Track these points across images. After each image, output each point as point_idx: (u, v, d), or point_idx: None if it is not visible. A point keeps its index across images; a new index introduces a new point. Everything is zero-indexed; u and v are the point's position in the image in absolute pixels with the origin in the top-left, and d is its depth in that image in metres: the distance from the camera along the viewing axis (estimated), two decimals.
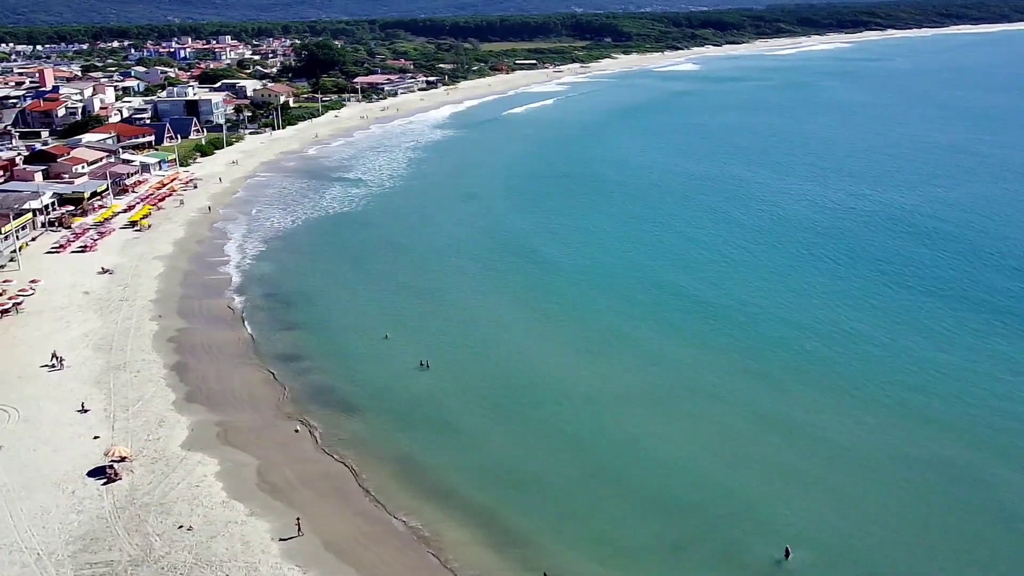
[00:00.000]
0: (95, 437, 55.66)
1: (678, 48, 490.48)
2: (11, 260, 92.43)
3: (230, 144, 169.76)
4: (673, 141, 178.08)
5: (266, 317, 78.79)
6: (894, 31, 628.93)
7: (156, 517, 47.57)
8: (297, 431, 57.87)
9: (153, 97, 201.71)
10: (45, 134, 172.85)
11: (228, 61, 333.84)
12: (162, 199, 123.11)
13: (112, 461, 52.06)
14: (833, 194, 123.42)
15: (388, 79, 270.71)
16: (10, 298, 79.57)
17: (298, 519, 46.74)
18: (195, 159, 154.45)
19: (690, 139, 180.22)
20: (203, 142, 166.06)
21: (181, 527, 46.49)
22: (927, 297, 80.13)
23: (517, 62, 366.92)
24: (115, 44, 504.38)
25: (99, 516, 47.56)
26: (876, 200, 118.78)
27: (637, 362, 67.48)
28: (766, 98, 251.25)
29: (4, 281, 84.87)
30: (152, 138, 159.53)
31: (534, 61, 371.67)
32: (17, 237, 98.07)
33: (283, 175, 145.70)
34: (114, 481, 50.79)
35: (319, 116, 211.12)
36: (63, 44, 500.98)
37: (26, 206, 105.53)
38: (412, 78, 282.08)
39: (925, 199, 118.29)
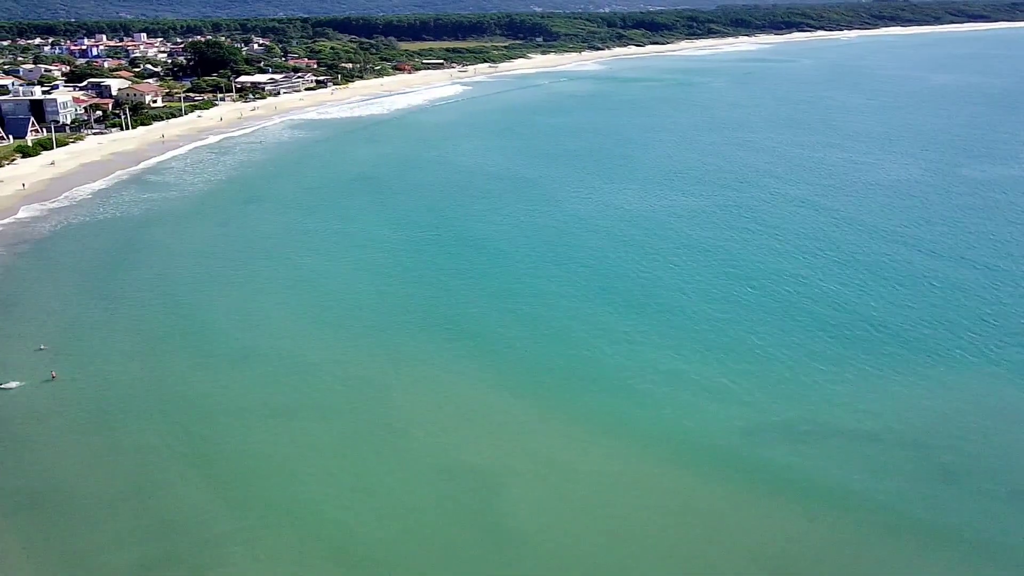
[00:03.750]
0: None
1: (598, 49, 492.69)
2: None
3: (63, 144, 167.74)
4: (507, 142, 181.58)
5: None
6: (824, 32, 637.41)
7: None
8: None
9: None
10: None
11: (109, 60, 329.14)
12: None
13: None
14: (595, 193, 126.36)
15: (271, 79, 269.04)
16: None
17: None
18: (12, 160, 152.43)
19: (524, 140, 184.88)
20: (29, 143, 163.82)
21: None
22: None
23: (424, 61, 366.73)
24: (37, 40, 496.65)
25: None
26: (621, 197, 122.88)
27: None
28: (636, 98, 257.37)
29: None
30: None
31: (441, 61, 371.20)
32: None
33: (93, 177, 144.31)
34: None
35: (180, 116, 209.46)
36: None
37: None
38: (299, 77, 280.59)
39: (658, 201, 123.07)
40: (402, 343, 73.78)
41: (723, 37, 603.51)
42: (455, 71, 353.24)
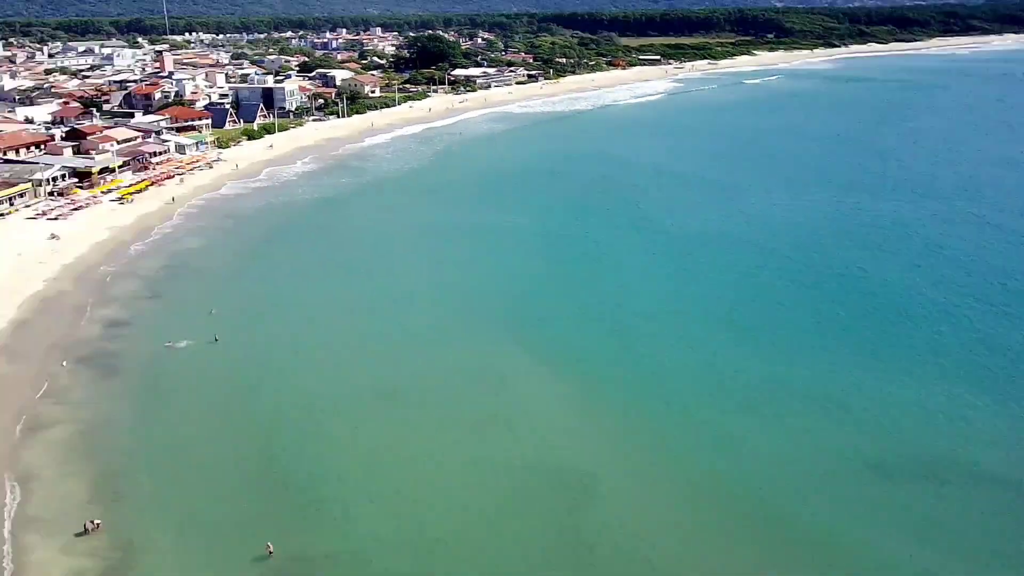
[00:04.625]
0: None
1: (834, 46, 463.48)
2: None
3: (284, 129, 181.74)
4: (700, 143, 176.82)
5: (133, 287, 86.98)
6: None
7: None
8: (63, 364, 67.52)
9: (236, 84, 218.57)
10: (139, 114, 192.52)
11: (343, 53, 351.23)
12: (169, 176, 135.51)
13: None
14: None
15: (484, 72, 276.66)
16: None
17: None
18: (238, 143, 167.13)
19: (720, 142, 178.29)
20: (255, 127, 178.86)
21: None
22: None
23: (641, 58, 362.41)
24: (288, 33, 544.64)
25: None
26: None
27: None
28: (857, 98, 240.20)
29: None
30: (208, 121, 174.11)
31: (657, 57, 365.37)
32: (11, 202, 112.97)
33: (304, 161, 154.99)
34: None
35: (393, 106, 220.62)
36: (244, 34, 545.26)
37: (35, 176, 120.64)
38: (511, 72, 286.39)
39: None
40: (524, 339, 73.00)
41: (984, 35, 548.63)
42: (671, 68, 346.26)
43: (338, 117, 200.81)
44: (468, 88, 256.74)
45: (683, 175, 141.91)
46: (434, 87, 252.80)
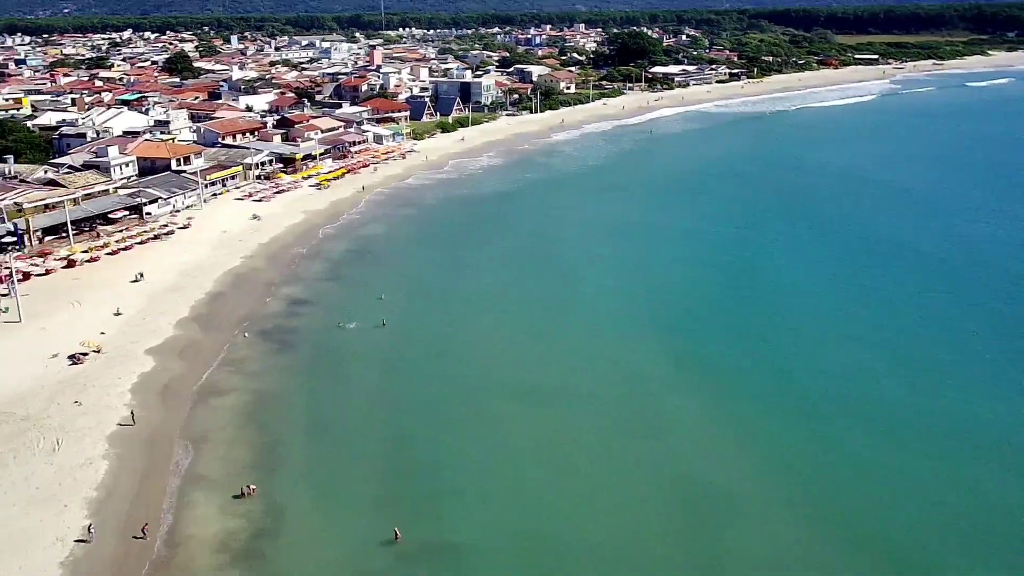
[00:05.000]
0: (101, 333, 72.80)
1: None
2: (204, 201, 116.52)
3: (477, 123, 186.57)
4: (895, 147, 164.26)
5: (316, 268, 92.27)
6: None
7: (74, 387, 62.72)
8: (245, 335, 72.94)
9: (435, 78, 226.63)
10: (346, 105, 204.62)
11: (544, 48, 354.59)
12: (364, 165, 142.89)
13: (82, 352, 68.37)
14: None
15: (683, 70, 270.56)
16: (162, 227, 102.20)
17: (132, 411, 59.19)
18: (433, 135, 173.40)
19: (910, 146, 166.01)
20: (450, 120, 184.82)
21: (77, 402, 60.97)
22: None
23: (856, 57, 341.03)
24: (495, 29, 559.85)
25: (43, 383, 63.74)
26: None
27: None
28: None
29: (175, 212, 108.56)
30: (406, 113, 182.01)
31: (875, 56, 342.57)
32: (224, 184, 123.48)
33: (490, 155, 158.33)
34: (78, 363, 67.14)
35: (587, 103, 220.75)
36: (453, 29, 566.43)
37: (246, 160, 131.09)
38: (712, 70, 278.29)
39: None
40: (681, 349, 70.59)
41: None
42: (889, 68, 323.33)
43: (531, 112, 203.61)
44: (665, 86, 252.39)
45: (877, 182, 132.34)
46: (630, 84, 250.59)
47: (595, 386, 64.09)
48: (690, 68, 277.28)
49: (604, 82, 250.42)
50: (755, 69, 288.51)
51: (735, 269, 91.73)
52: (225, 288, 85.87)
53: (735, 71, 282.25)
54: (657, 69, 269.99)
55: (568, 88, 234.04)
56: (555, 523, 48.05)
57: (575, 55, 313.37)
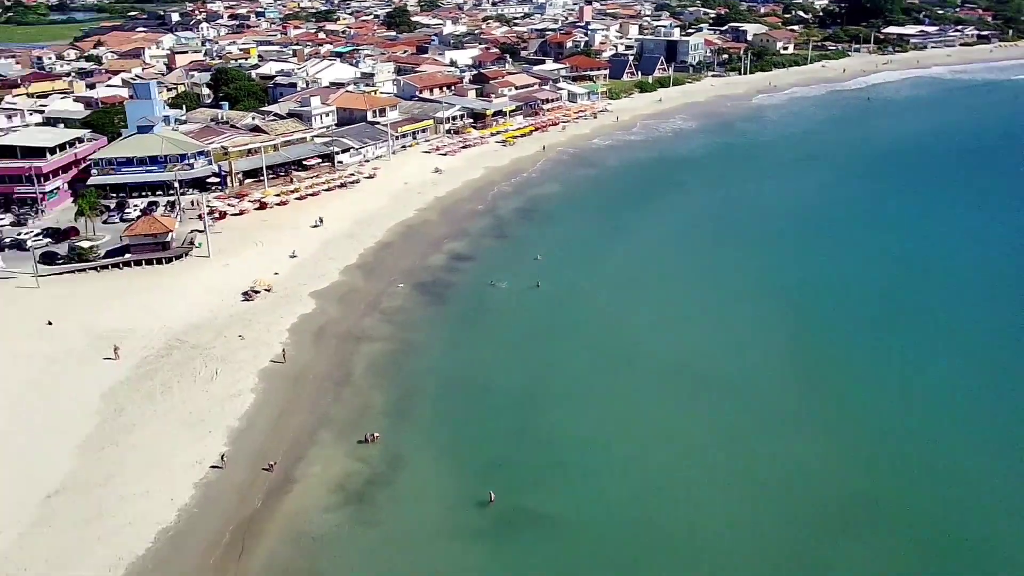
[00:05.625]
0: (275, 273, 77.82)
1: None
2: (393, 153, 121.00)
3: (679, 84, 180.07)
4: None
5: (483, 225, 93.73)
6: None
7: (241, 321, 67.71)
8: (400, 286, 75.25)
9: (643, 36, 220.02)
10: (549, 62, 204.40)
11: (767, 6, 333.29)
12: (554, 123, 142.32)
13: (254, 290, 73.41)
14: None
15: (922, 31, 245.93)
16: (350, 176, 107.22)
17: (282, 349, 62.86)
18: (630, 94, 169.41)
19: None
20: (650, 80, 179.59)
21: (240, 336, 65.71)
22: None
23: None
24: None
25: (217, 315, 69.24)
26: None
27: None
28: None
29: (364, 162, 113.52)
30: (606, 72, 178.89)
31: None
32: (414, 136, 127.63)
33: (684, 117, 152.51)
34: (249, 300, 72.30)
35: (803, 64, 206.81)
36: None
37: (438, 115, 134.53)
38: (956, 31, 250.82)
39: None
40: (822, 349, 64.99)
41: None
42: None
43: (739, 74, 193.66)
44: (898, 48, 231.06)
45: None
46: (857, 45, 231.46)
47: (747, 379, 60.12)
48: (930, 29, 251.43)
49: (828, 43, 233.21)
50: (1011, 31, 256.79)
51: (956, 267, 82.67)
52: (395, 238, 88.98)
53: (985, 33, 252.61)
54: (891, 29, 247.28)
55: (785, 48, 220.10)
56: (661, 511, 46.14)
57: (800, 13, 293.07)
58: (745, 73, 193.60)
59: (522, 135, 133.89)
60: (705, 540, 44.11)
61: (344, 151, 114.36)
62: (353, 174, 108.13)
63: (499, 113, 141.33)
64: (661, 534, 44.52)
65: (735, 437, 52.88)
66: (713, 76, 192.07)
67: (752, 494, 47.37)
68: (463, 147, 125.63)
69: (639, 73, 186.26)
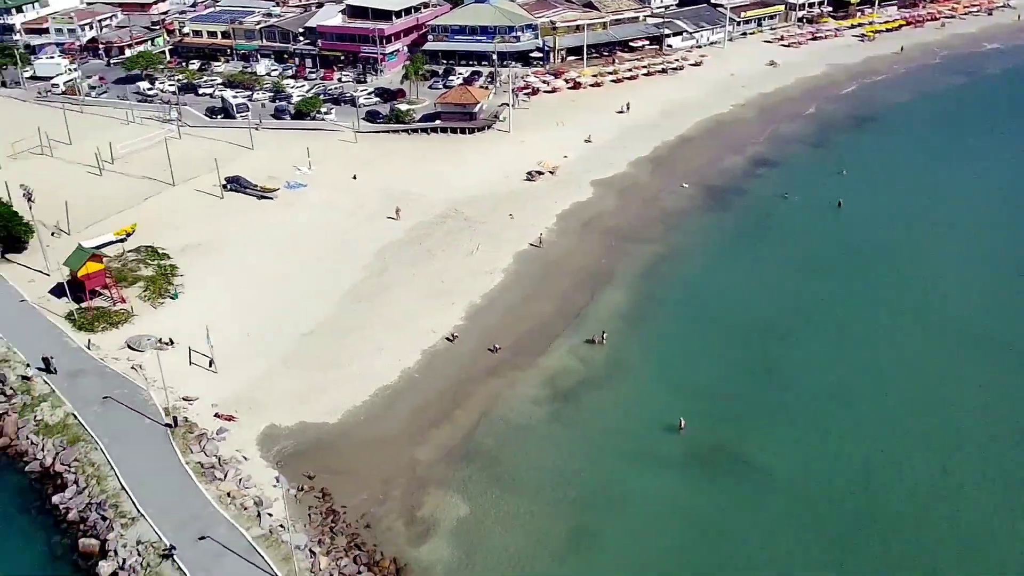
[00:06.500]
0: (564, 156, 77.37)
1: None
2: (730, 39, 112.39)
3: None
4: None
5: (801, 130, 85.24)
6: None
7: (517, 201, 68.90)
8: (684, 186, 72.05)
9: None
10: None
11: None
12: (933, 18, 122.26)
13: (538, 171, 73.73)
14: None
15: None
16: (674, 61, 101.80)
17: (540, 234, 63.09)
18: None
19: None
20: None
21: (511, 215, 66.81)
22: None
23: None
24: None
25: (496, 192, 70.88)
26: None
27: None
28: None
29: (693, 48, 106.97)
30: None
31: None
32: (759, 23, 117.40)
33: None
34: (531, 180, 73.06)
35: None
36: None
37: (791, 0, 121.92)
38: None
39: None
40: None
41: None
42: None
43: None
44: None
45: None
46: None
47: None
48: None
49: None
50: None
51: None
52: (698, 134, 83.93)
53: None
54: None
55: None
56: (895, 486, 40.29)
57: None
58: None
59: (888, 29, 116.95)
60: (957, 536, 37.59)
61: (676, 34, 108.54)
62: (678, 60, 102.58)
63: (866, 2, 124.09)
64: (888, 511, 38.82)
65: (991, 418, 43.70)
66: None
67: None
68: (812, 38, 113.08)
69: None
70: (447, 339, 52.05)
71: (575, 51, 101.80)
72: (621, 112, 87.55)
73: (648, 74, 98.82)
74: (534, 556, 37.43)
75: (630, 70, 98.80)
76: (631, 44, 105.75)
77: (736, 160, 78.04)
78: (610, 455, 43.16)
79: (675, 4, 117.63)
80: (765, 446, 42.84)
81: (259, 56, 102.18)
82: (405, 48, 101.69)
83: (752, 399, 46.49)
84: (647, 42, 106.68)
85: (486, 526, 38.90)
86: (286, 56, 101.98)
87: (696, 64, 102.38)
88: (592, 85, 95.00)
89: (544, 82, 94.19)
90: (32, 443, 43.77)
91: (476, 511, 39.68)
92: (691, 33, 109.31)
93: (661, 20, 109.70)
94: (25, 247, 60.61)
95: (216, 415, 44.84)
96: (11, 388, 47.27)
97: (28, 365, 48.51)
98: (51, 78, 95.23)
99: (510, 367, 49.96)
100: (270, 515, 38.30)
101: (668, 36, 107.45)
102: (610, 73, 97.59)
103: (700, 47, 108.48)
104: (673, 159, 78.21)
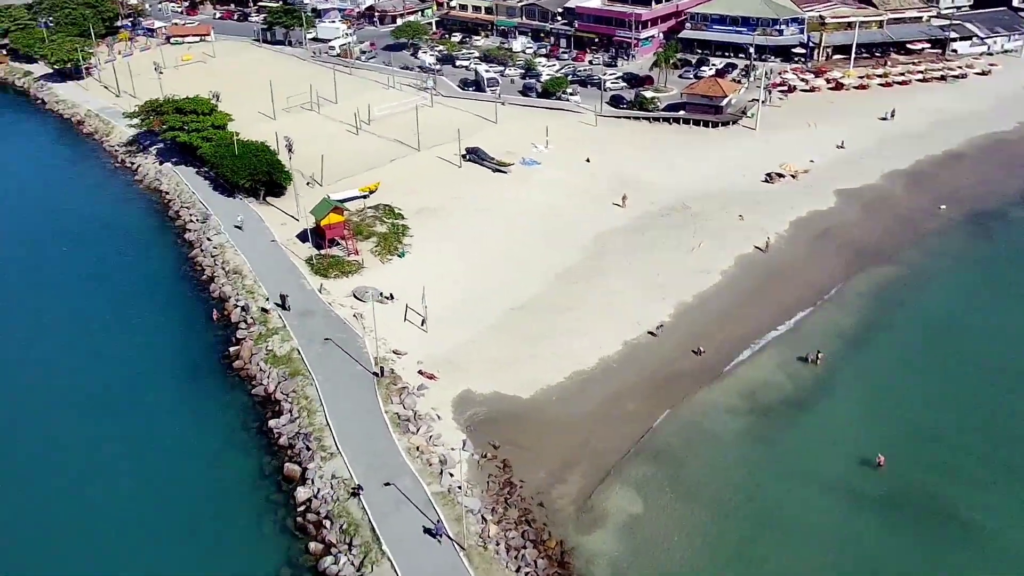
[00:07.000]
0: (811, 160, 72.76)
1: None
2: None
3: None
4: None
5: None
6: None
7: (749, 202, 65.82)
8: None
9: None
10: None
11: None
12: None
13: (778, 173, 69.99)
14: None
15: None
16: (955, 68, 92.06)
17: (768, 239, 60.06)
18: None
19: None
20: None
21: (740, 216, 64.01)
22: None
23: None
24: None
25: (727, 189, 67.87)
26: None
27: None
28: None
29: (982, 55, 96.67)
30: None
31: None
32: None
33: None
34: (770, 183, 69.47)
35: None
36: None
37: None
38: None
39: None
40: None
41: None
42: None
43: None
44: None
45: None
46: None
47: None
48: None
49: None
50: None
51: None
52: (971, 151, 76.12)
53: None
54: None
55: None
56: None
57: None
58: None
59: None
60: None
61: (964, 38, 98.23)
62: (962, 67, 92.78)
63: None
64: None
65: None
66: None
67: None
68: None
69: None
70: (650, 333, 51.02)
71: (842, 49, 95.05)
72: (884, 119, 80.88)
73: (924, 80, 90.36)
74: (697, 569, 36.03)
75: (903, 74, 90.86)
76: (908, 46, 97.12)
77: (1011, 185, 69.63)
78: (796, 479, 40.57)
79: (968, 5, 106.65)
80: (976, 502, 38.43)
81: (517, 33, 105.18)
82: (660, 35, 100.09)
83: (969, 449, 41.81)
84: (927, 45, 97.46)
85: (656, 527, 37.96)
86: (542, 35, 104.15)
87: (983, 73, 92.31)
88: (857, 87, 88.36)
89: (803, 80, 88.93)
90: (261, 370, 48.40)
91: (649, 510, 38.85)
92: (982, 38, 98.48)
93: (948, 22, 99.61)
94: (283, 192, 66.90)
95: (419, 372, 47.10)
96: (251, 318, 52.55)
97: (268, 299, 53.62)
98: (329, 40, 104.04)
99: (711, 372, 48.17)
100: (451, 475, 39.70)
101: (954, 40, 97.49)
102: (879, 76, 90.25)
103: (991, 55, 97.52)
104: (935, 176, 71.22)
